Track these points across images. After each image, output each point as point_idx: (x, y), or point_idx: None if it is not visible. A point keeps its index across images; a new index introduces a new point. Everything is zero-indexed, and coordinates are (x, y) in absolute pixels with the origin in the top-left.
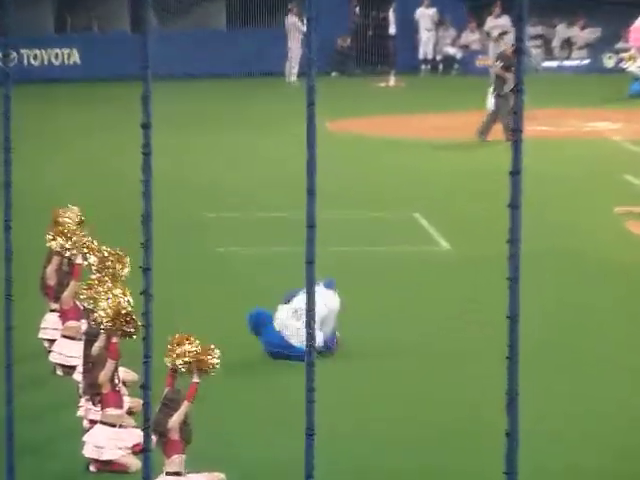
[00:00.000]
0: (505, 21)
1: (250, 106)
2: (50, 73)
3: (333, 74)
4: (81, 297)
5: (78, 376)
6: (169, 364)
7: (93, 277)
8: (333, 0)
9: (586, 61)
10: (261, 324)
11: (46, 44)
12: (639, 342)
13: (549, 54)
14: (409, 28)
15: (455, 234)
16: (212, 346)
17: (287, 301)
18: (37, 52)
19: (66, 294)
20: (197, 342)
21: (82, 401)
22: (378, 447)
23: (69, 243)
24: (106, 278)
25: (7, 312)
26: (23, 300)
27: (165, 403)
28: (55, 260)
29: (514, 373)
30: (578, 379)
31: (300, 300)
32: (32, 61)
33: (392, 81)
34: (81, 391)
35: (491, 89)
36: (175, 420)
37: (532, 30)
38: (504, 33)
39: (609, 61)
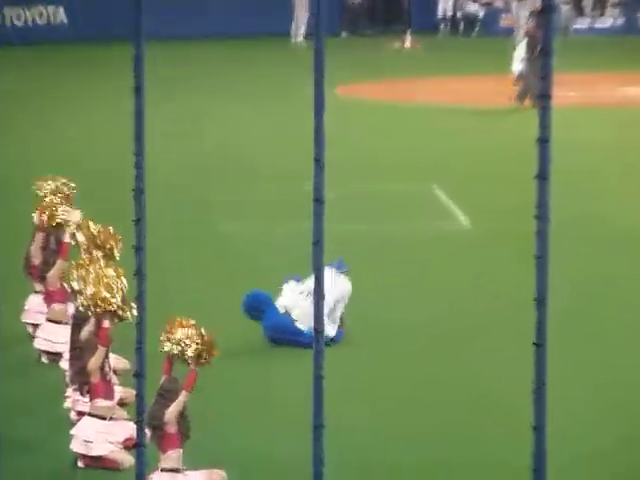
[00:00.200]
0: None
1: (253, 69)
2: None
3: (343, 34)
4: (70, 278)
5: (65, 364)
6: (167, 350)
7: (84, 256)
8: None
9: (620, 21)
10: (261, 307)
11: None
12: None
13: (579, 13)
14: None
15: (476, 209)
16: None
17: (297, 280)
18: (20, 11)
19: (52, 274)
20: (200, 327)
21: (69, 391)
22: (386, 439)
23: (56, 219)
24: (98, 256)
25: None
26: (5, 281)
27: (161, 393)
28: (39, 237)
29: (542, 361)
30: (605, 348)
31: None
32: (15, 21)
33: (407, 42)
34: (68, 380)
35: (517, 52)
36: (172, 412)
37: None
38: None
39: None
